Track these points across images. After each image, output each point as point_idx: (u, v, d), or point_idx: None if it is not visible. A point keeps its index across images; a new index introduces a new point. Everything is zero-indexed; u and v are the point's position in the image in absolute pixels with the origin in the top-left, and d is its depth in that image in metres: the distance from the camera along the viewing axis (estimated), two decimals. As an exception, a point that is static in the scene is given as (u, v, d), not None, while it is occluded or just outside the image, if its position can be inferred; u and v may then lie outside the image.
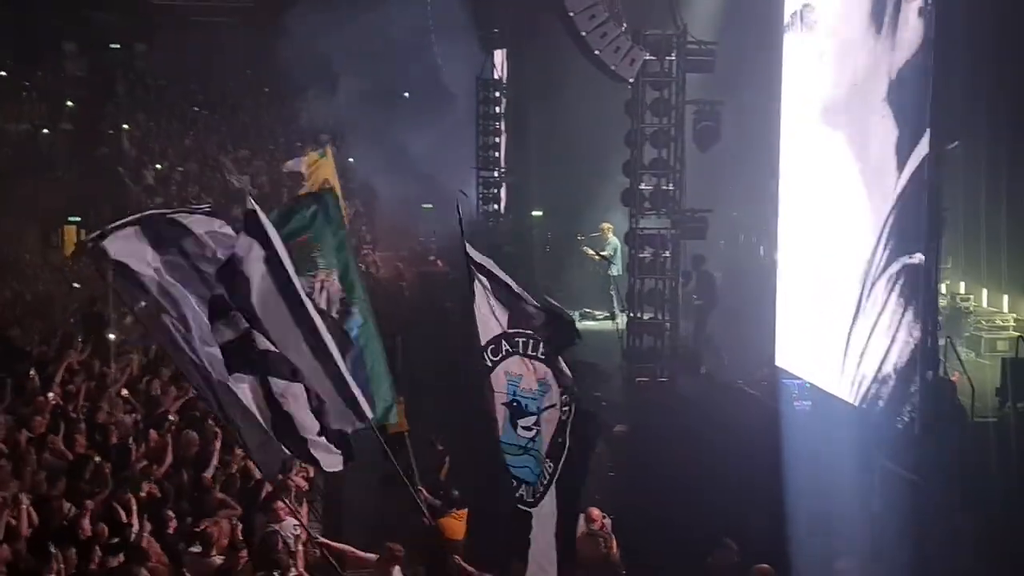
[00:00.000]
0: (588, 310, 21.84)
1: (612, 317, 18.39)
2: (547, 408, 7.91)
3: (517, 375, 7.81)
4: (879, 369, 12.54)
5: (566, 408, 7.96)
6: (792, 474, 12.15)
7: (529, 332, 7.84)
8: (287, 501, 10.05)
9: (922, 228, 11.79)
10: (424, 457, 13.56)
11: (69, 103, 34.19)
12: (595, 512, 10.75)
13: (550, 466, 7.86)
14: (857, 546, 11.31)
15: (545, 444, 7.87)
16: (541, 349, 7.86)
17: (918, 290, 11.82)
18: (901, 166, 12.21)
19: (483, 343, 7.74)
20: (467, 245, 7.87)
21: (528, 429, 7.84)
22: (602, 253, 19.93)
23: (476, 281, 7.80)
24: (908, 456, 11.57)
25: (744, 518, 11.89)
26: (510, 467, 7.78)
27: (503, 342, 7.79)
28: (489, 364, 7.77)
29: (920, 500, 11.19)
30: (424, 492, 10.06)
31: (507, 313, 7.82)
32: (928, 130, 11.69)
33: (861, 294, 13.09)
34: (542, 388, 7.89)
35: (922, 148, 11.78)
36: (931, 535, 10.96)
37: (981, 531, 10.81)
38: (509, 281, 7.91)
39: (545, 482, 7.84)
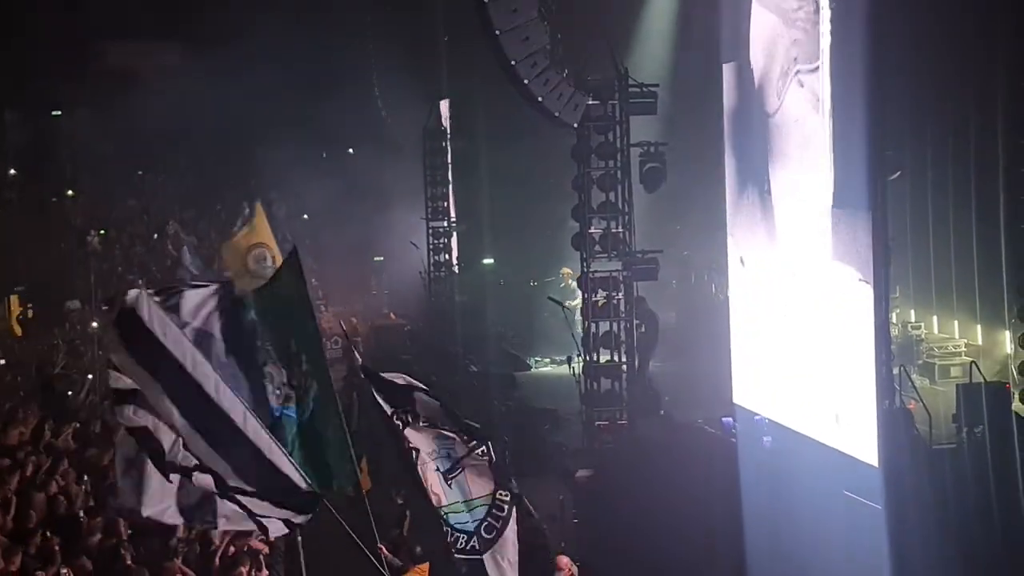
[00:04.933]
0: (545, 356, 21.84)
1: (569, 361, 18.33)
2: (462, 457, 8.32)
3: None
4: (835, 401, 12.57)
5: (482, 448, 8.34)
6: (757, 511, 12.12)
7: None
8: (248, 567, 9.86)
9: (869, 256, 11.87)
10: (385, 513, 13.41)
11: (12, 171, 33.83)
12: (563, 560, 10.65)
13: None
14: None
15: (471, 490, 8.29)
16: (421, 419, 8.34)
17: (869, 319, 11.89)
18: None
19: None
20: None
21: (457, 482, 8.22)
22: (570, 304, 19.66)
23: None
24: (869, 485, 11.58)
25: (711, 557, 11.84)
26: (454, 525, 8.05)
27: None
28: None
29: (883, 529, 11.18)
30: (384, 551, 9.89)
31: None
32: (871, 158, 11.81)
33: (812, 325, 13.16)
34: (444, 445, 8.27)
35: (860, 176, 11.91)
36: (895, 563, 10.94)
37: (944, 557, 10.82)
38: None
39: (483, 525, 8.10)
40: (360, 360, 9.25)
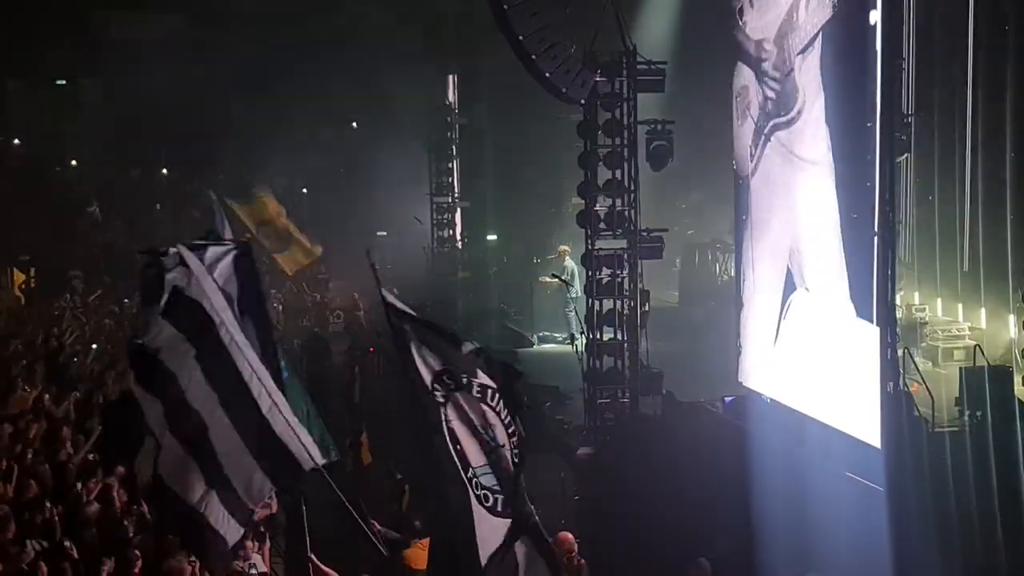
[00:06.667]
0: (547, 333, 21.85)
1: (572, 339, 18.35)
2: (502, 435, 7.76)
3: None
4: (838, 382, 12.57)
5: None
6: (758, 491, 12.13)
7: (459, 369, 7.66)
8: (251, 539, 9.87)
9: (874, 238, 11.83)
10: (385, 488, 13.45)
11: (15, 141, 33.82)
12: (564, 535, 10.65)
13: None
14: (825, 560, 11.30)
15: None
16: (475, 388, 7.67)
17: (874, 302, 11.87)
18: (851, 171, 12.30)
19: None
20: (385, 293, 7.82)
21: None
22: (563, 277, 19.91)
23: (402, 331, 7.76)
24: (871, 467, 11.59)
25: (712, 536, 11.85)
26: (489, 486, 7.64)
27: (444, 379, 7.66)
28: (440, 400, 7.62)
29: (884, 511, 11.20)
30: (376, 526, 9.88)
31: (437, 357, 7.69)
32: (878, 142, 11.76)
33: (816, 308, 13.14)
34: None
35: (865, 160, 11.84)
36: (895, 543, 10.97)
37: (944, 540, 10.84)
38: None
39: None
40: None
